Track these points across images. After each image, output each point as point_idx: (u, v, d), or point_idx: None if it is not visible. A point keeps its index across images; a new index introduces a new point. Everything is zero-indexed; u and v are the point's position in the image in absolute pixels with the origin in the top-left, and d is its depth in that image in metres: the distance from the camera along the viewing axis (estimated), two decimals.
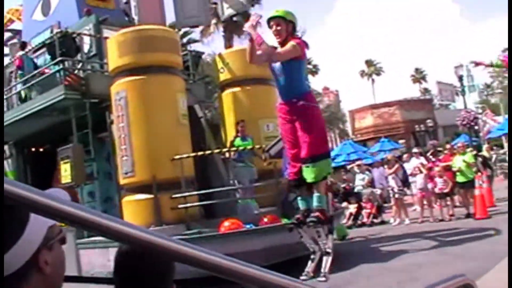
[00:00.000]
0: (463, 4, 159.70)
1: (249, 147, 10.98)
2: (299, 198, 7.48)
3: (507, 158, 27.31)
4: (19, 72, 13.86)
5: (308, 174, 6.96)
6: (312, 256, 7.46)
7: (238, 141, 11.41)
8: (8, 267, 1.25)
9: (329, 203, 7.66)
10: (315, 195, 7.05)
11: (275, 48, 7.13)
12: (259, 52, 7.00)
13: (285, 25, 7.10)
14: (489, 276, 7.33)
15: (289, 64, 7.02)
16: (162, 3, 13.28)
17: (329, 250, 7.20)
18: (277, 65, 7.11)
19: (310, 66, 65.16)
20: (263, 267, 1.01)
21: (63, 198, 0.93)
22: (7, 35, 20.21)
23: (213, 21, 30.22)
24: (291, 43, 7.02)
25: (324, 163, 7.07)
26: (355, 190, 17.65)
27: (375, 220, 16.56)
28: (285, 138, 7.36)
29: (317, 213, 6.98)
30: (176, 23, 13.81)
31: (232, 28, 36.11)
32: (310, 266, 7.34)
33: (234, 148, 11.13)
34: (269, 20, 7.23)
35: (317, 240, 7.33)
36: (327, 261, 7.12)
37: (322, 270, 7.08)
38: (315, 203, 7.04)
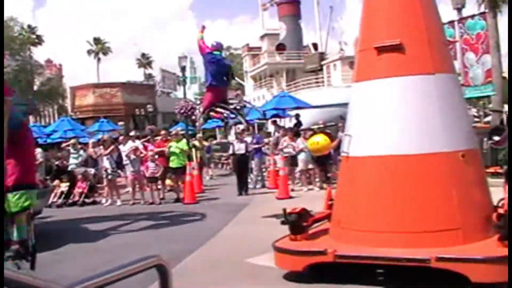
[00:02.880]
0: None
1: None
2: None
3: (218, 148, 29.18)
4: None
5: (13, 204, 6.20)
6: None
7: None
8: None
9: (31, 232, 6.58)
10: (17, 227, 6.29)
11: None
12: None
13: None
14: (191, 258, 7.74)
15: None
16: None
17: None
18: None
19: (34, 36, 61.76)
20: None
21: None
22: None
23: None
24: None
25: (30, 193, 6.40)
26: (69, 168, 17.26)
27: (86, 200, 16.36)
28: None
29: (17, 246, 6.23)
30: None
31: None
32: None
33: None
34: None
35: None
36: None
37: None
38: (15, 235, 6.27)
